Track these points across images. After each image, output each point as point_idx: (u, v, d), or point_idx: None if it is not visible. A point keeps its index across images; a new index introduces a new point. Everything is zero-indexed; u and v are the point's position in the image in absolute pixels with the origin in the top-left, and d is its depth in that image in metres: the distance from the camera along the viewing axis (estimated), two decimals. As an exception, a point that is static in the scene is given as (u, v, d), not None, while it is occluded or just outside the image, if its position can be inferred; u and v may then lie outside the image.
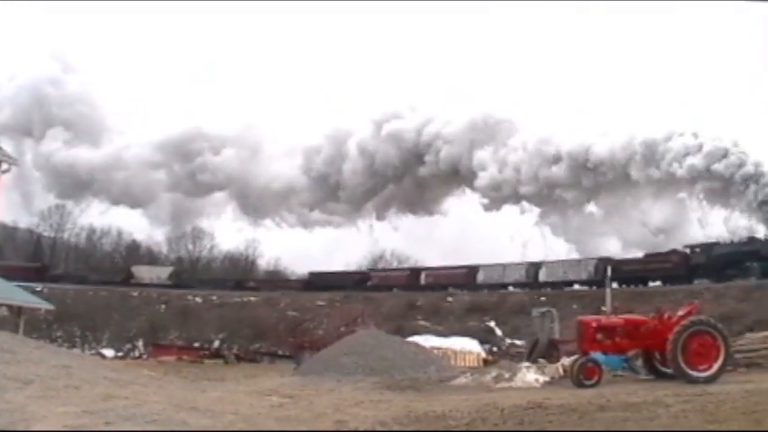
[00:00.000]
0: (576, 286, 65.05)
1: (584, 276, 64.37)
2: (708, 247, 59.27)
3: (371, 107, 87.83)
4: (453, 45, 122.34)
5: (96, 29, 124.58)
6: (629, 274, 61.24)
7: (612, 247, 74.54)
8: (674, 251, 62.14)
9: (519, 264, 71.30)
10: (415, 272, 77.77)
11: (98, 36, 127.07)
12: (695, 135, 67.61)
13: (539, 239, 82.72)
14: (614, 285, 60.14)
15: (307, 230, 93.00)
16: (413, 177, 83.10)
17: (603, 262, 62.56)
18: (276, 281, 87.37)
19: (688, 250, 60.69)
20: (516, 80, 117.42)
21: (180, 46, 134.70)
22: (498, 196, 79.93)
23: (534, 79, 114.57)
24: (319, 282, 78.18)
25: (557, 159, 74.96)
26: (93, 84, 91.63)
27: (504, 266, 71.28)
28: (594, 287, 60.50)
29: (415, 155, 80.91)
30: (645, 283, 61.65)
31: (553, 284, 65.76)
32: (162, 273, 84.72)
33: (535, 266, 69.21)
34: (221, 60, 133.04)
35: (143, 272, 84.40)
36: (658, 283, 61.63)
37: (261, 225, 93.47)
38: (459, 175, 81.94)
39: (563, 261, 69.64)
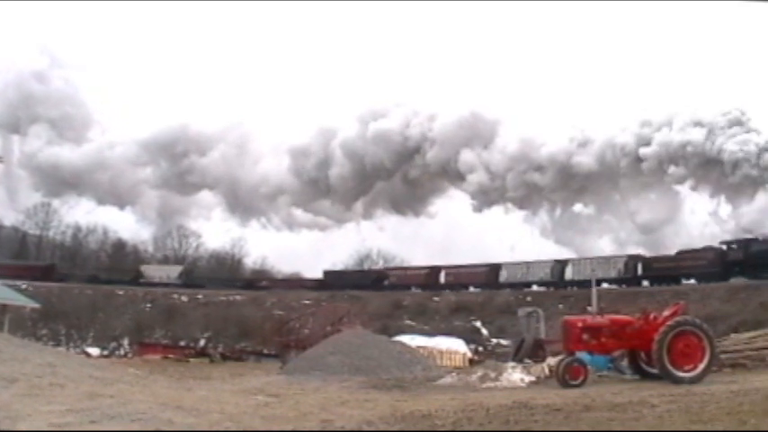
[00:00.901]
0: (605, 285, 60.33)
1: (612, 274, 62.26)
2: (745, 244, 57.39)
3: (359, 104, 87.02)
4: (441, 41, 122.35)
5: (84, 24, 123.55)
6: (661, 272, 60.04)
7: (606, 247, 74.66)
8: (709, 248, 60.02)
9: (544, 262, 68.79)
10: (435, 270, 74.23)
11: (85, 31, 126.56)
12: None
13: (528, 240, 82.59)
14: (645, 284, 60.89)
15: (293, 233, 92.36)
16: (402, 176, 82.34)
17: (633, 259, 62.37)
18: (290, 280, 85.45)
19: (724, 247, 58.90)
20: (503, 78, 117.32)
21: (167, 42, 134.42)
22: (486, 199, 79.81)
23: (520, 77, 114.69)
24: (335, 281, 76.05)
25: (540, 166, 75.09)
26: (80, 80, 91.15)
27: (528, 264, 69.14)
28: (624, 285, 60.12)
29: (403, 154, 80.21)
30: (677, 282, 59.54)
31: (580, 283, 61.73)
32: (171, 272, 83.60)
33: (561, 264, 67.08)
34: (208, 57, 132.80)
35: (152, 271, 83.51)
36: (692, 281, 59.54)
37: (248, 224, 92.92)
38: (447, 175, 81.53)
39: (591, 259, 66.01)
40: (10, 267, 78.93)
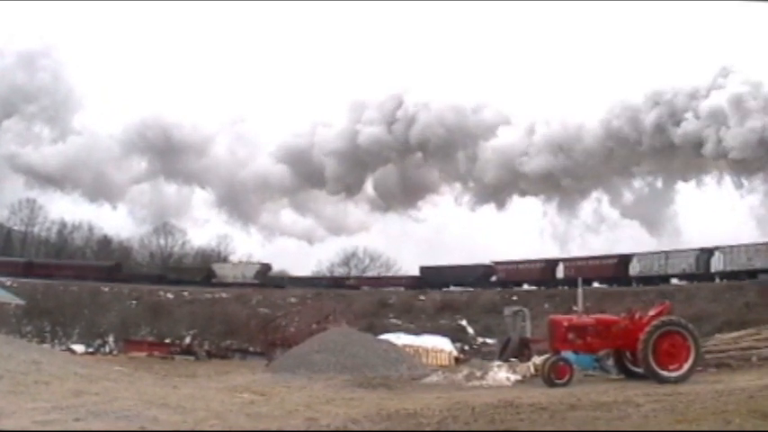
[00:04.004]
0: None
1: None
2: None
3: (354, 95, 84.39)
4: (437, 33, 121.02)
5: (78, 20, 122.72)
6: None
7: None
8: None
9: (685, 251, 59.35)
10: (551, 263, 65.34)
11: (76, 22, 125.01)
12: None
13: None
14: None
15: (284, 235, 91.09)
16: (399, 170, 79.90)
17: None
18: (380, 278, 79.80)
19: None
20: (500, 67, 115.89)
21: (158, 36, 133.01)
22: (496, 190, 75.01)
23: (518, 65, 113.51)
24: (433, 278, 70.08)
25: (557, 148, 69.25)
26: (68, 71, 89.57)
27: (666, 254, 59.68)
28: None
29: (402, 147, 77.25)
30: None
31: (731, 275, 54.01)
32: (247, 270, 78.63)
33: (707, 253, 56.77)
34: (202, 52, 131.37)
35: (226, 270, 79.91)
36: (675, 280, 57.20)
37: (237, 222, 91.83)
38: (453, 169, 77.54)
39: (747, 246, 54.92)
40: (74, 267, 79.16)
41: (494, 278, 68.77)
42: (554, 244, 74.60)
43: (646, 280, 58.82)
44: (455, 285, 67.39)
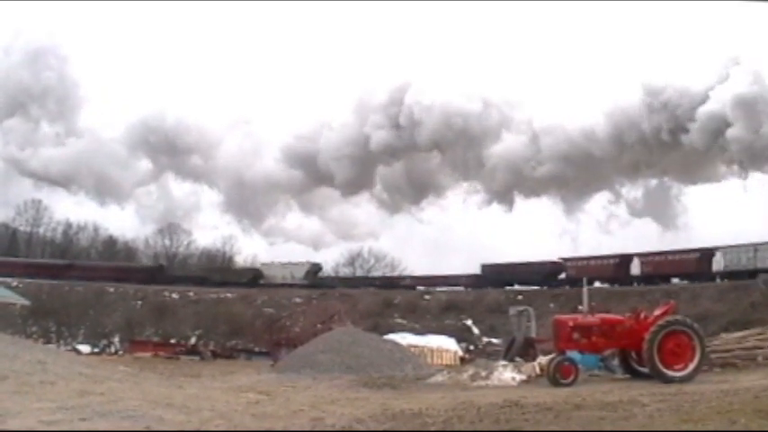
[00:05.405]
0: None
1: None
2: None
3: (359, 92, 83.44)
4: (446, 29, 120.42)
5: (80, 14, 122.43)
6: None
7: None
8: None
9: None
10: (626, 259, 61.23)
11: (80, 20, 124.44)
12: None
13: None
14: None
15: (291, 240, 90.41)
16: (406, 167, 78.82)
17: None
18: (436, 277, 73.11)
19: None
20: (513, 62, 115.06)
21: (160, 36, 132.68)
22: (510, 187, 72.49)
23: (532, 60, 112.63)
24: (495, 276, 66.46)
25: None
26: (74, 69, 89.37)
27: (755, 247, 53.27)
28: None
29: (408, 147, 76.08)
30: None
31: None
32: (296, 271, 75.60)
33: None
34: (207, 51, 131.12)
35: (274, 270, 76.82)
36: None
37: (243, 223, 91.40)
38: (461, 170, 75.47)
39: None
40: (117, 269, 79.12)
41: (562, 275, 64.95)
42: (569, 244, 73.76)
43: (731, 275, 54.00)
44: (520, 284, 64.79)
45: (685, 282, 56.24)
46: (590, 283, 56.49)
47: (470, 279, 69.06)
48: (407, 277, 76.68)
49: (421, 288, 70.50)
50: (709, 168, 63.71)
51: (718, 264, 55.72)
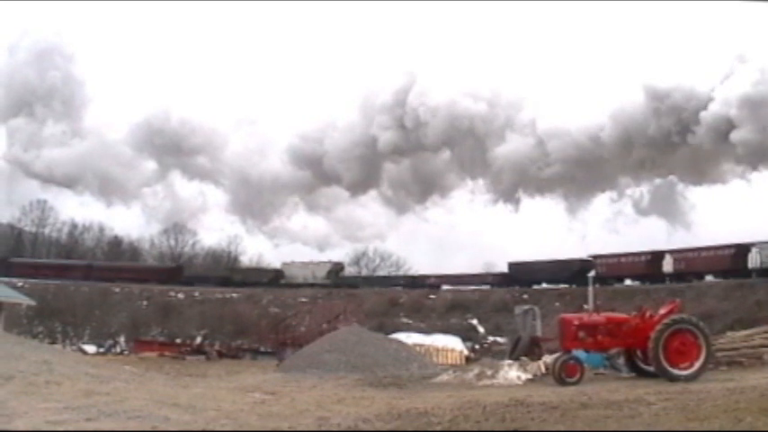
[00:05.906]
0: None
1: None
2: None
3: (363, 90, 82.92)
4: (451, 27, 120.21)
5: (86, 13, 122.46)
6: None
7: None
8: None
9: None
10: (657, 256, 58.88)
11: (86, 20, 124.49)
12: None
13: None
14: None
15: (297, 242, 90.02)
16: (412, 164, 78.37)
17: None
18: (462, 275, 71.79)
19: None
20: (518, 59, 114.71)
21: (167, 34, 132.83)
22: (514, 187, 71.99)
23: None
24: (523, 275, 65.14)
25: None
26: (80, 68, 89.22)
27: None
28: None
29: (415, 147, 75.41)
30: None
31: None
32: (318, 270, 74.36)
33: None
34: (213, 51, 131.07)
35: (295, 269, 75.43)
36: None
37: (248, 224, 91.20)
38: (467, 168, 74.81)
39: None
40: (135, 270, 79.48)
41: (592, 273, 59.20)
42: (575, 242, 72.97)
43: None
44: (548, 283, 63.57)
45: (719, 279, 54.14)
46: (620, 280, 59.50)
47: (498, 278, 68.11)
48: (432, 276, 73.93)
49: (448, 287, 69.15)
50: (714, 169, 63.44)
51: (753, 260, 53.19)
